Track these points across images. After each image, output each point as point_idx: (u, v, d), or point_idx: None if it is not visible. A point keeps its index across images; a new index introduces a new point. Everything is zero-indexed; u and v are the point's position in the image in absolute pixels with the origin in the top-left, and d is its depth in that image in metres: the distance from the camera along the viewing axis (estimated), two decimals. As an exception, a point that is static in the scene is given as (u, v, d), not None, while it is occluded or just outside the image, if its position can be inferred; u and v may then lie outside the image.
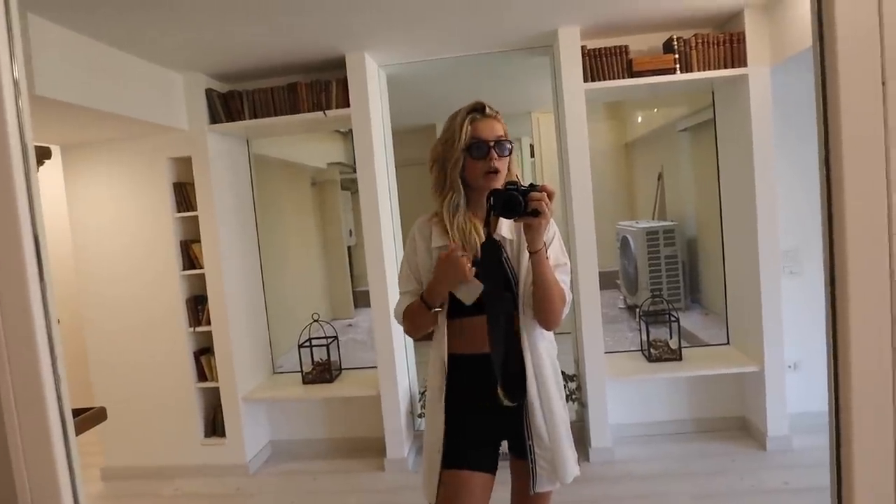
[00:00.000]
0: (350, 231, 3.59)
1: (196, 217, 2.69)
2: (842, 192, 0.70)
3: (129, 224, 2.76)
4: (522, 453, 1.28)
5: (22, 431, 0.79)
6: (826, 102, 0.71)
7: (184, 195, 2.73)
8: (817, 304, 2.86)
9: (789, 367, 2.64)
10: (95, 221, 2.78)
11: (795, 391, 2.65)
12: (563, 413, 1.30)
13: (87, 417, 1.93)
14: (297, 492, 2.64)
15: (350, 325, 3.27)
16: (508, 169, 1.28)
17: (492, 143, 1.24)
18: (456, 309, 1.27)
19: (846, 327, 0.73)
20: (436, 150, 1.31)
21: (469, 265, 1.19)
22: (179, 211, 2.72)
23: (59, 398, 0.82)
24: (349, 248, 3.60)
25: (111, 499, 2.76)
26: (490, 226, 1.20)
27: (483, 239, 1.24)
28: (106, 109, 2.15)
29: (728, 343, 2.85)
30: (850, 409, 0.72)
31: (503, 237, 1.26)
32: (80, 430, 1.87)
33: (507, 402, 1.22)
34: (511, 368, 1.23)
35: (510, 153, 1.27)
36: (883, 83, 0.68)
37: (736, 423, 2.80)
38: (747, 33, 2.41)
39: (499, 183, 1.24)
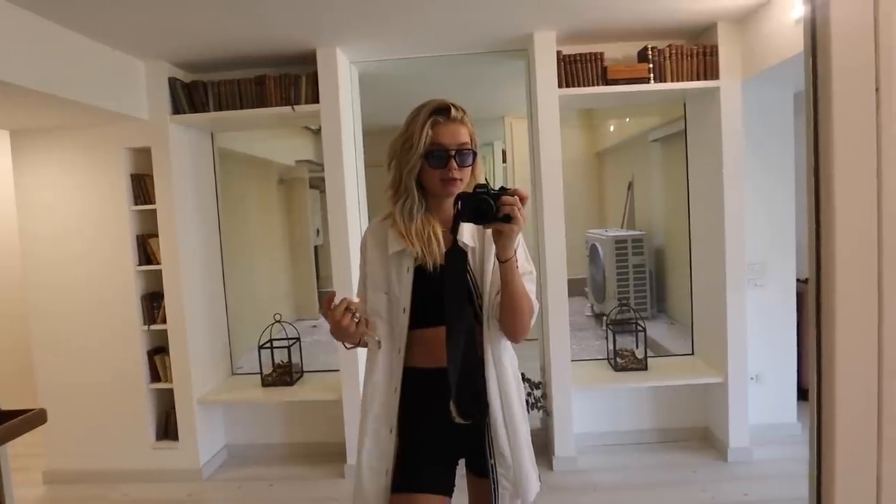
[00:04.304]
0: (317, 231, 3.50)
1: (154, 210, 2.58)
2: (832, 199, 0.66)
3: (82, 215, 2.63)
4: (483, 471, 1.21)
5: None
6: (817, 107, 0.68)
7: (142, 187, 2.61)
8: (779, 317, 2.92)
9: (751, 378, 2.66)
10: (46, 212, 2.64)
11: (756, 403, 2.68)
12: (525, 429, 1.23)
13: (25, 420, 1.81)
14: (252, 499, 2.55)
15: (314, 327, 3.18)
16: (473, 173, 1.19)
17: (452, 153, 1.13)
18: (416, 318, 1.18)
19: (831, 339, 0.68)
20: (394, 147, 1.20)
21: (353, 320, 1.07)
22: (137, 203, 2.61)
23: None
24: (316, 248, 3.52)
25: (54, 503, 2.62)
26: (457, 231, 1.12)
27: (443, 245, 1.16)
28: (57, 94, 2.04)
29: (693, 354, 2.87)
30: (833, 422, 0.68)
31: (465, 244, 1.16)
32: (17, 434, 1.76)
33: (458, 420, 1.14)
34: (468, 385, 1.15)
35: (473, 162, 1.18)
36: (877, 89, 0.65)
37: (699, 433, 2.81)
38: (720, 46, 2.43)
39: (458, 191, 1.15)
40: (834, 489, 0.68)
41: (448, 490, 1.22)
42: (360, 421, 1.25)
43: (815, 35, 0.69)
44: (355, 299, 1.15)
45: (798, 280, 2.77)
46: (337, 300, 1.08)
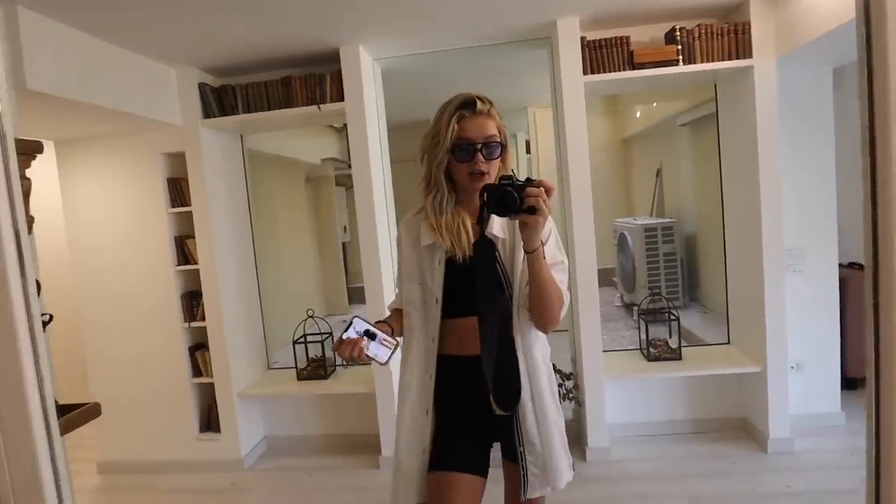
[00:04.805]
0: (345, 227, 3.57)
1: (190, 212, 2.68)
2: (890, 175, 0.62)
3: (123, 219, 2.75)
4: (515, 456, 1.24)
5: (4, 434, 0.78)
6: (871, 75, 0.63)
7: (178, 190, 2.71)
8: (821, 304, 2.81)
9: (791, 367, 2.58)
10: (90, 217, 2.77)
11: (797, 392, 2.59)
12: (556, 417, 1.25)
13: (81, 413, 1.93)
14: (292, 487, 2.63)
15: (344, 322, 3.25)
16: (503, 163, 1.21)
17: (479, 146, 1.15)
18: (448, 308, 1.22)
19: (891, 322, 0.65)
20: (424, 142, 1.24)
21: (358, 350, 1.12)
22: (173, 206, 2.71)
23: (42, 398, 0.80)
24: (344, 244, 3.58)
25: (108, 492, 2.78)
26: (483, 223, 1.14)
27: (472, 237, 1.18)
28: (98, 104, 2.13)
29: (728, 342, 2.80)
30: (892, 411, 0.65)
31: (495, 236, 1.19)
32: (74, 426, 1.87)
33: (499, 412, 1.17)
34: (504, 377, 1.17)
35: (500, 155, 1.19)
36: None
37: (736, 424, 2.75)
38: (753, 23, 2.34)
39: (487, 183, 1.16)
40: (893, 480, 0.66)
41: (482, 471, 1.25)
42: (397, 406, 1.30)
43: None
44: (353, 334, 1.17)
45: (840, 265, 2.66)
46: (347, 338, 1.15)
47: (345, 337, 1.15)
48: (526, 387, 1.20)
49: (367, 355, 1.15)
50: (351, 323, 1.16)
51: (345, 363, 1.21)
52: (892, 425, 0.65)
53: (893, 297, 0.64)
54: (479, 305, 1.14)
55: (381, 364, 1.18)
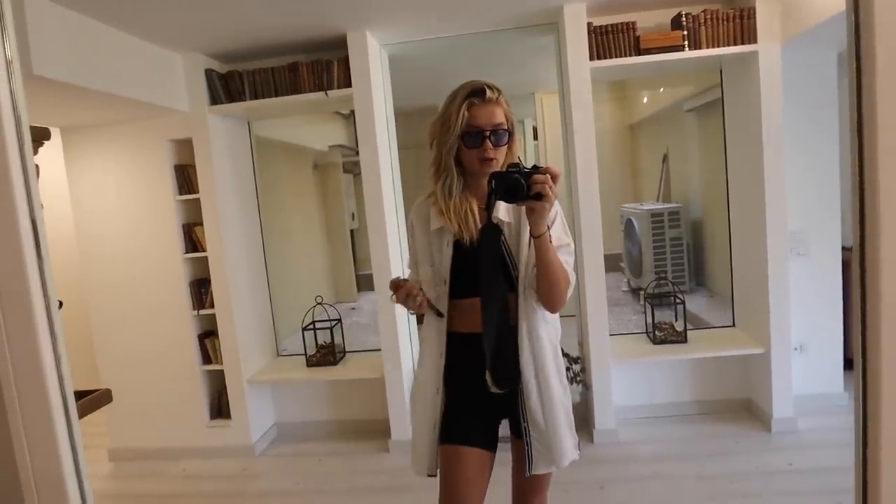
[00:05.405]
0: (353, 214, 3.57)
1: (198, 200, 2.67)
2: (875, 161, 0.64)
3: (131, 207, 2.74)
4: (520, 433, 1.28)
5: (23, 412, 0.79)
6: (860, 63, 0.66)
7: (185, 178, 2.71)
8: (824, 286, 2.85)
9: (795, 349, 2.62)
10: (97, 205, 2.76)
11: (801, 373, 2.64)
12: (562, 398, 1.28)
13: (93, 399, 1.94)
14: (302, 473, 2.66)
15: (353, 309, 3.27)
16: (510, 149, 1.25)
17: (488, 133, 1.19)
18: (456, 288, 1.26)
19: (877, 305, 0.67)
20: (434, 129, 1.27)
21: (419, 299, 1.21)
22: (181, 194, 2.71)
23: (59, 378, 0.81)
24: (352, 231, 3.59)
25: (120, 479, 2.79)
26: (491, 209, 1.17)
27: (479, 221, 1.22)
28: (105, 90, 2.12)
29: (733, 325, 2.84)
30: (878, 391, 0.67)
31: (500, 220, 1.22)
32: (86, 412, 1.89)
33: (494, 390, 1.21)
34: (502, 356, 1.21)
35: (508, 141, 1.23)
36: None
37: (740, 405, 2.80)
38: (758, 8, 2.35)
39: (494, 169, 1.20)
40: (879, 458, 0.68)
41: (490, 446, 1.30)
42: (413, 385, 1.37)
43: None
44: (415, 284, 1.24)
45: (843, 248, 2.70)
46: (395, 286, 1.23)
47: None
48: (530, 366, 1.24)
49: (429, 298, 1.23)
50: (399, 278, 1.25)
51: (393, 298, 1.27)
52: (878, 408, 0.67)
53: (879, 281, 0.66)
54: (482, 290, 1.18)
55: (438, 313, 1.27)
